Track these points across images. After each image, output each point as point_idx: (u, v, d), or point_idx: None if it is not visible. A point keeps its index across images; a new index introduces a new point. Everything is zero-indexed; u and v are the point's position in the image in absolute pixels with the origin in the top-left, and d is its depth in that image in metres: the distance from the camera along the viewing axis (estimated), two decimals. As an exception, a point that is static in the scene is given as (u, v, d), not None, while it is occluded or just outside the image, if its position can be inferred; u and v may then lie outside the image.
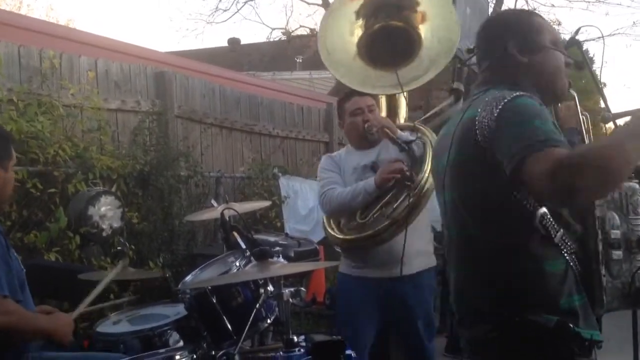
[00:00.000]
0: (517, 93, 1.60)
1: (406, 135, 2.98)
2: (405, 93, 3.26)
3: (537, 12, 2.23)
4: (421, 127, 3.15)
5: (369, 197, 2.91)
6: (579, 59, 1.87)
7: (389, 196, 2.89)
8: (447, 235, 1.83)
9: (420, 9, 3.11)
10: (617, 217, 1.68)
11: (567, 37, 2.21)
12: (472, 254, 1.71)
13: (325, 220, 3.22)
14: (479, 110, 1.62)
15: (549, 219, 1.57)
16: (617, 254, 1.68)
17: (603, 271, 1.64)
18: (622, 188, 1.70)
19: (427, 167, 2.89)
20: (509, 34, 1.78)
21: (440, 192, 1.84)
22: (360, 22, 3.14)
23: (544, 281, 1.60)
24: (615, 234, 1.67)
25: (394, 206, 2.87)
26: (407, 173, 2.85)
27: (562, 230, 1.60)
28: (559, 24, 16.62)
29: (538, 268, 1.61)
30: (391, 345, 3.38)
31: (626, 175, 1.55)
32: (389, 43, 3.12)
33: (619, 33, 16.67)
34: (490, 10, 12.98)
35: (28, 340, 2.36)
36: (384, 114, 3.28)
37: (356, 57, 3.12)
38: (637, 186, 1.71)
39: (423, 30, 3.11)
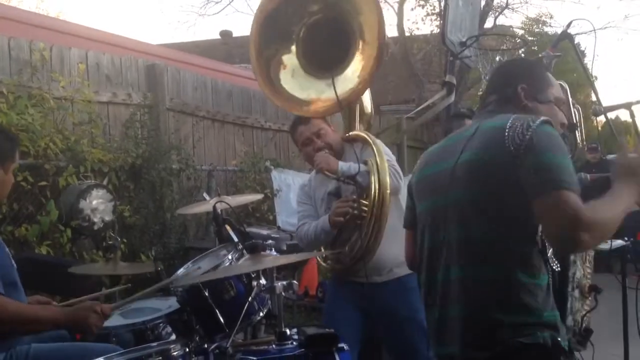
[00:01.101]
0: (545, 118, 1.72)
1: (348, 167, 2.86)
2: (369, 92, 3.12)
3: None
4: (366, 137, 2.97)
5: (331, 235, 2.93)
6: (569, 122, 2.06)
7: (344, 234, 2.92)
8: (439, 236, 1.84)
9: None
10: (578, 263, 1.83)
11: (559, 30, 2.24)
12: (469, 255, 1.74)
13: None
14: (510, 121, 1.71)
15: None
16: (575, 293, 1.84)
17: (576, 294, 1.78)
18: None
19: (373, 193, 2.78)
20: (522, 78, 1.92)
21: (436, 195, 1.87)
22: (290, 46, 2.98)
23: (533, 292, 1.68)
24: (578, 276, 1.83)
25: (353, 242, 2.88)
26: (355, 211, 2.81)
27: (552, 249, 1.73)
28: (551, 17, 16.65)
29: (531, 279, 1.68)
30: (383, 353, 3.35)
31: None
32: (327, 38, 2.93)
33: (610, 26, 16.70)
34: (483, 3, 12.99)
35: (33, 332, 2.37)
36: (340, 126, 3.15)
37: (297, 73, 2.95)
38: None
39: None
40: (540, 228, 1.68)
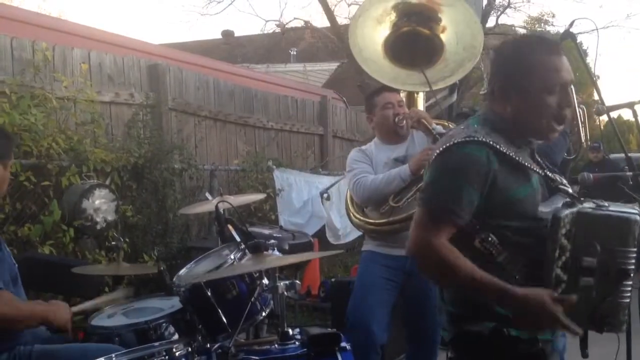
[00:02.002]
0: (465, 138, 1.72)
1: (439, 128, 3.12)
2: (423, 93, 3.55)
3: (550, 42, 2.16)
4: (446, 123, 3.31)
5: (403, 184, 3.05)
6: (568, 106, 1.86)
7: (406, 190, 3.04)
8: None
9: (443, 23, 3.43)
10: (598, 246, 1.67)
11: (561, 29, 2.22)
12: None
13: (350, 208, 3.34)
14: (440, 141, 1.84)
15: (491, 242, 1.70)
16: (587, 280, 1.70)
17: (555, 294, 1.67)
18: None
19: None
20: (502, 74, 1.84)
21: None
22: (391, 18, 3.39)
23: None
24: (589, 261, 1.68)
25: None
26: None
27: (506, 253, 1.71)
28: (553, 16, 16.64)
29: None
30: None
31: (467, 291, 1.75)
32: (413, 47, 3.40)
33: (612, 25, 16.69)
34: (485, 2, 12.97)
35: (25, 328, 2.37)
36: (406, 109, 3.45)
37: (385, 56, 3.38)
38: (636, 218, 1.69)
39: (446, 37, 3.41)
40: (477, 238, 1.71)
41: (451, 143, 1.73)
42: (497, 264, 1.71)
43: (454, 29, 3.39)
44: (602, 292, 1.69)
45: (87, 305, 2.76)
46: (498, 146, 1.72)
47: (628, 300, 1.73)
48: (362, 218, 3.21)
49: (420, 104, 3.59)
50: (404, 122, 3.20)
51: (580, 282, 1.70)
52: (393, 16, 3.39)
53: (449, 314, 1.83)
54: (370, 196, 3.12)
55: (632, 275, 1.69)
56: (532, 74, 1.77)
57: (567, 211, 1.68)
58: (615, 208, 1.72)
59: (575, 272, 1.69)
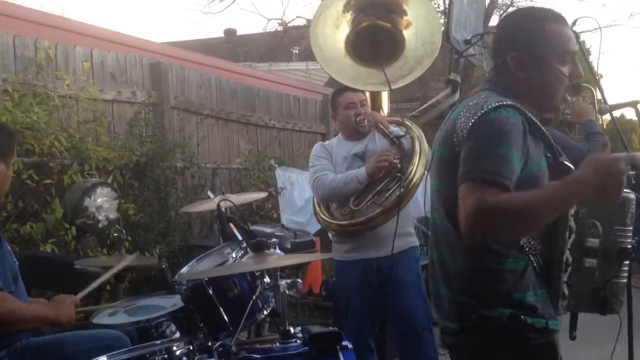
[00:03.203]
0: (498, 103, 1.63)
1: (397, 130, 3.23)
2: (387, 93, 3.54)
3: (554, 12, 2.08)
4: (408, 123, 3.37)
5: (360, 185, 3.15)
6: (579, 74, 1.81)
7: (381, 185, 3.14)
8: (432, 219, 1.89)
9: (407, 17, 3.38)
10: (599, 226, 1.67)
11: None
12: (443, 242, 1.80)
13: (315, 205, 3.43)
14: (462, 111, 1.69)
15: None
16: (590, 261, 1.69)
17: (565, 278, 1.67)
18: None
19: (417, 159, 3.16)
20: (513, 44, 1.75)
21: (431, 180, 1.93)
22: (349, 16, 3.37)
23: (502, 277, 1.67)
24: (593, 242, 1.67)
25: (386, 195, 3.13)
26: (398, 164, 3.10)
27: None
28: (556, 15, 16.60)
29: (498, 265, 1.68)
30: (387, 336, 3.46)
31: (546, 223, 1.62)
32: (374, 42, 3.38)
33: (615, 24, 16.65)
34: (488, 1, 12.95)
35: (27, 329, 2.38)
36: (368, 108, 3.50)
37: (346, 55, 3.37)
38: (630, 196, 1.69)
39: (407, 33, 3.37)
40: None
41: (486, 109, 1.62)
42: (517, 245, 1.67)
43: (415, 24, 3.37)
44: (605, 273, 1.69)
45: (92, 286, 2.75)
46: (529, 113, 1.66)
47: (625, 281, 1.74)
48: (327, 218, 3.30)
49: (385, 103, 3.62)
50: (365, 121, 3.30)
51: (585, 264, 1.69)
52: (352, 12, 3.40)
53: (459, 303, 1.75)
54: (329, 195, 3.25)
55: (633, 255, 1.68)
56: (548, 42, 1.72)
57: None
58: None
59: (579, 253, 1.69)
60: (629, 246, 1.68)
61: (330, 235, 3.58)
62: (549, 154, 1.72)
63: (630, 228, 1.69)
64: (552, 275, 1.71)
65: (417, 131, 3.31)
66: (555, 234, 1.67)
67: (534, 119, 1.67)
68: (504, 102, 1.64)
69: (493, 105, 1.62)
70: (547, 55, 1.72)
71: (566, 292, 1.69)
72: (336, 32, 3.38)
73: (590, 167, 1.52)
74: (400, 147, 3.18)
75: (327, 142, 3.58)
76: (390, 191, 3.12)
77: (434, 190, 1.86)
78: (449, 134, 1.73)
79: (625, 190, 1.63)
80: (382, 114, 3.50)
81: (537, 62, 1.73)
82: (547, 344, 1.68)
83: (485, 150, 1.58)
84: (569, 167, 1.71)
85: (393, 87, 3.25)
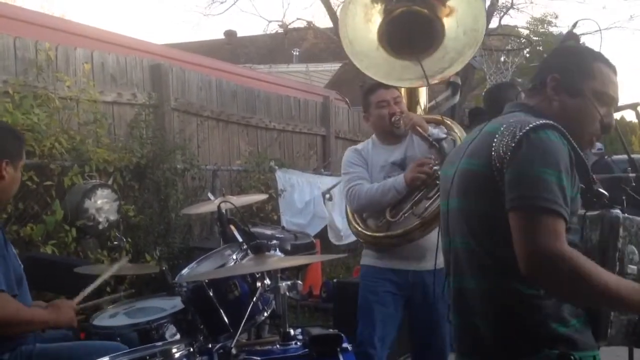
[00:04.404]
0: (543, 122, 1.54)
1: (437, 132, 2.93)
2: (425, 90, 3.28)
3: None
4: (448, 122, 3.12)
5: (398, 195, 2.90)
6: (610, 122, 1.73)
7: (419, 195, 2.89)
8: (448, 241, 1.76)
9: (450, 3, 3.06)
10: (637, 252, 1.61)
11: (564, 30, 2.20)
12: (468, 266, 1.66)
13: (349, 215, 3.19)
14: (502, 128, 1.58)
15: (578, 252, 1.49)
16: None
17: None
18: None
19: None
20: (557, 68, 1.73)
21: (444, 198, 1.80)
22: (379, 6, 3.08)
23: (539, 303, 1.54)
24: (632, 269, 1.59)
25: (425, 205, 2.87)
26: (438, 172, 2.77)
27: None
28: (556, 17, 16.63)
29: (532, 288, 1.54)
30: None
31: (592, 306, 1.56)
32: (410, 30, 3.06)
33: (616, 27, 16.68)
34: (488, 3, 12.96)
35: (26, 332, 2.38)
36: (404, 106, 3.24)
37: (379, 47, 3.07)
38: None
39: (447, 21, 3.05)
40: None
41: (531, 126, 1.51)
42: None
43: (457, 9, 3.04)
44: None
45: (87, 290, 2.75)
46: (568, 136, 1.56)
47: None
48: (361, 228, 3.08)
49: (423, 102, 3.38)
50: (401, 122, 2.99)
51: None
52: (384, 2, 3.09)
53: (491, 339, 1.58)
54: (365, 206, 3.01)
55: None
56: (591, 78, 1.69)
57: (621, 214, 1.58)
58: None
59: None
60: None
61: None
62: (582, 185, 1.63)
63: None
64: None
65: (459, 132, 3.03)
66: (606, 256, 1.58)
67: (574, 143, 1.58)
68: (550, 122, 1.55)
69: (540, 123, 1.53)
70: (586, 88, 1.68)
71: (612, 318, 1.58)
72: (368, 23, 3.08)
73: None
74: (441, 151, 2.81)
75: (360, 146, 3.22)
76: (431, 201, 2.85)
77: (451, 209, 1.72)
78: (483, 148, 1.61)
79: None
80: (420, 112, 3.24)
81: (574, 91, 1.69)
82: None
83: (540, 175, 1.47)
84: (604, 193, 1.63)
85: (431, 82, 2.94)
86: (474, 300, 1.63)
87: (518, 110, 1.72)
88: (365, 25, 3.09)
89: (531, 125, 1.52)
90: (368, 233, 3.03)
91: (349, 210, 3.20)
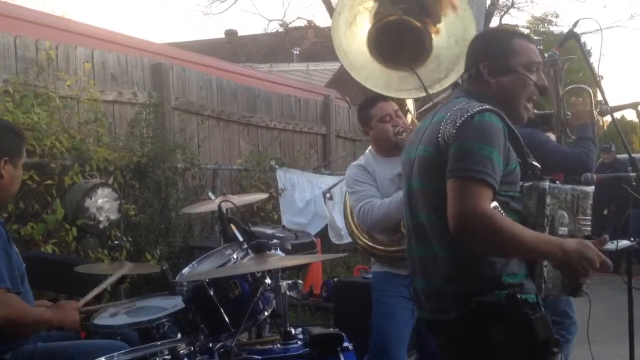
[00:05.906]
0: (482, 107, 1.79)
1: None
2: (412, 100, 3.28)
3: (520, 31, 2.24)
4: None
5: None
6: (543, 84, 2.01)
7: None
8: (412, 219, 1.97)
9: (439, 25, 3.11)
10: (566, 215, 1.85)
11: (564, 29, 2.23)
12: (433, 237, 1.88)
13: (353, 227, 3.15)
14: (447, 116, 1.83)
15: (497, 208, 1.74)
16: None
17: (545, 262, 1.81)
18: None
19: None
20: (485, 55, 1.98)
21: (406, 181, 2.02)
22: (371, 12, 3.09)
23: (491, 263, 1.79)
24: (563, 230, 1.83)
25: None
26: None
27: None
28: (557, 16, 16.62)
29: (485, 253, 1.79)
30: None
31: (514, 257, 1.82)
32: (397, 39, 3.10)
33: (616, 26, 16.67)
34: (488, 2, 12.96)
35: (32, 332, 2.38)
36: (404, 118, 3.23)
37: (372, 58, 3.08)
38: (588, 190, 1.88)
39: (437, 36, 3.11)
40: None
41: (471, 113, 1.77)
42: None
43: (446, 26, 3.09)
44: None
45: (92, 294, 2.76)
46: (507, 118, 1.83)
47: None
48: (370, 243, 3.05)
49: (411, 108, 3.36)
50: (404, 134, 2.98)
51: None
52: (376, 4, 3.08)
53: (454, 293, 1.82)
54: (380, 222, 2.92)
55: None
56: (515, 52, 1.95)
57: (547, 184, 1.83)
58: (567, 185, 1.90)
59: None
60: (590, 233, 1.86)
61: None
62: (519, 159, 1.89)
63: (589, 218, 1.88)
64: (535, 261, 1.85)
65: None
66: (536, 221, 1.82)
67: (509, 122, 1.84)
68: (488, 107, 1.80)
69: (478, 109, 1.78)
70: (516, 64, 1.94)
71: (545, 275, 1.82)
72: (359, 31, 3.07)
73: (579, 248, 1.72)
74: None
75: (362, 160, 3.16)
76: None
77: (414, 189, 1.95)
78: (433, 136, 1.86)
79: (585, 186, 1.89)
80: (411, 119, 3.24)
81: (506, 69, 1.94)
82: (542, 317, 1.77)
83: (473, 150, 1.73)
84: (536, 165, 1.89)
85: (430, 92, 2.99)
86: (439, 265, 1.86)
87: (463, 96, 1.96)
88: (357, 35, 3.09)
89: (472, 111, 1.78)
90: (381, 247, 3.02)
91: (352, 225, 3.17)
